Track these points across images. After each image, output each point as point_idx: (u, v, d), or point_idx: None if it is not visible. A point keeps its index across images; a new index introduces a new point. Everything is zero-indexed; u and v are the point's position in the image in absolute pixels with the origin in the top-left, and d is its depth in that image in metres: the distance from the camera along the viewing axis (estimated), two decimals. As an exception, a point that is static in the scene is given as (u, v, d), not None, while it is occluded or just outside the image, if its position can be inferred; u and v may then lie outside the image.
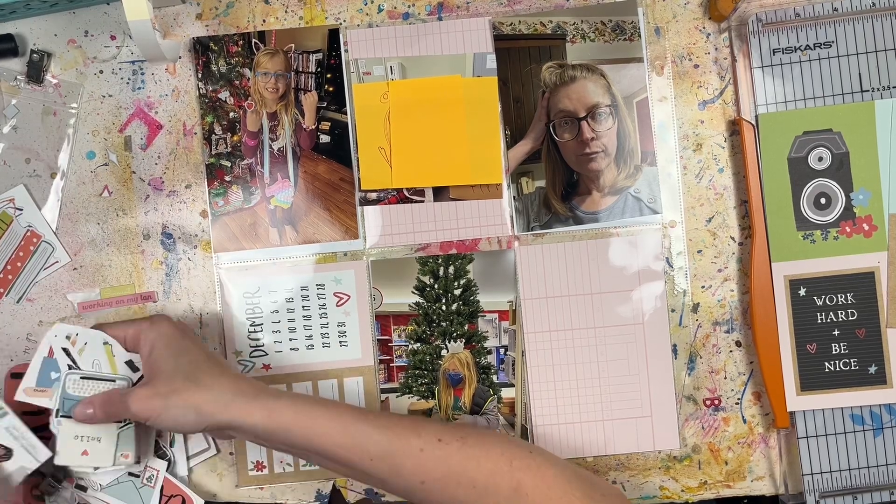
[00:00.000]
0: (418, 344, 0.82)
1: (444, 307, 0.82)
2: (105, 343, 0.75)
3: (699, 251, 0.82)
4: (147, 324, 0.73)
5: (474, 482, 0.68)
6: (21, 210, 0.82)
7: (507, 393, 0.82)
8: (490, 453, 0.69)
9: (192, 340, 0.73)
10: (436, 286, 0.82)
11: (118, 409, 0.72)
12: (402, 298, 0.82)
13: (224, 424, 0.69)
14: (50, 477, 0.80)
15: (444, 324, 0.82)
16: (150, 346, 0.72)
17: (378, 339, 0.82)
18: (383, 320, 0.82)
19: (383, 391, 0.82)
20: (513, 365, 0.82)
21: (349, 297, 0.82)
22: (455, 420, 0.82)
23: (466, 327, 0.82)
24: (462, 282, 0.82)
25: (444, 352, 0.82)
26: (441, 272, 0.82)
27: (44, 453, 0.75)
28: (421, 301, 0.82)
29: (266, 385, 0.72)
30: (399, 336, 0.83)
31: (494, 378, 0.82)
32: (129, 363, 0.76)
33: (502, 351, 0.82)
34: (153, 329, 0.73)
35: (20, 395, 0.75)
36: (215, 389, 0.70)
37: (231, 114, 0.82)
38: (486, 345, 0.82)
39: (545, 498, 0.67)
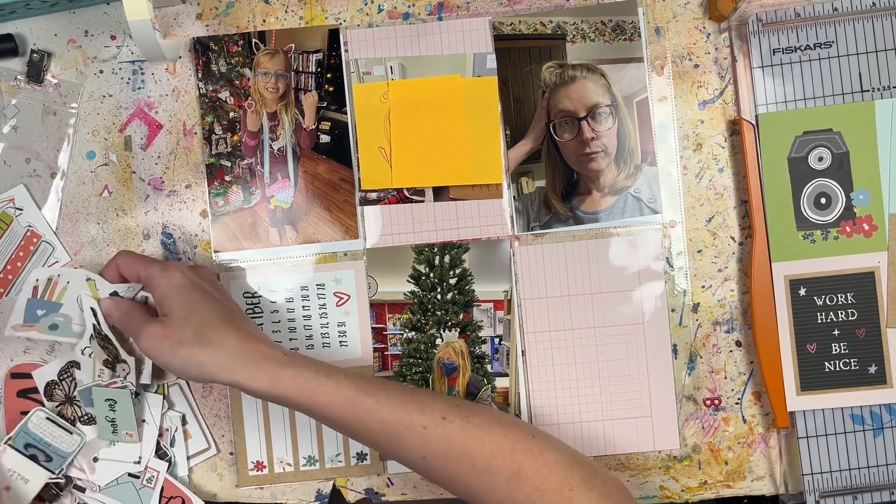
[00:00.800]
0: (413, 333, 0.82)
1: (439, 296, 0.82)
2: (88, 279, 0.77)
3: (699, 251, 0.82)
4: (159, 271, 0.72)
5: (475, 462, 0.68)
6: (21, 210, 0.82)
7: (500, 382, 0.82)
8: (493, 434, 0.69)
9: (202, 292, 0.72)
10: (431, 275, 0.82)
11: (131, 331, 0.74)
12: (398, 287, 0.82)
13: (226, 383, 0.71)
14: (53, 483, 0.80)
15: (438, 313, 0.82)
16: (160, 294, 0.72)
17: (373, 328, 0.83)
18: (378, 308, 0.83)
19: (377, 379, 0.83)
20: (507, 355, 0.82)
21: (349, 297, 0.82)
22: None
23: (461, 316, 0.82)
24: (457, 271, 0.82)
25: (438, 341, 0.82)
26: (437, 261, 0.82)
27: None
28: (416, 290, 0.82)
29: (272, 347, 0.71)
30: (394, 325, 0.83)
31: (489, 367, 0.82)
32: (115, 294, 0.76)
33: (497, 340, 0.82)
34: (164, 278, 0.72)
35: (9, 332, 0.77)
36: (221, 350, 0.69)
37: (231, 114, 0.82)
38: (480, 334, 0.82)
39: (545, 482, 0.67)
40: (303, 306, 0.82)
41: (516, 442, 0.69)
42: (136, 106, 0.82)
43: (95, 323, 0.76)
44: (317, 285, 0.82)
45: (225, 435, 0.83)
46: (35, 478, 0.79)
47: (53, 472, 0.79)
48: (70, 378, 0.80)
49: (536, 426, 0.82)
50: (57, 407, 0.80)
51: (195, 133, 0.83)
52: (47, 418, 0.79)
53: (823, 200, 0.79)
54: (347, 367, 0.82)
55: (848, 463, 0.79)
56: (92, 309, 0.76)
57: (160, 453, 0.81)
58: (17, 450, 0.79)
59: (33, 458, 0.79)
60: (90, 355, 0.77)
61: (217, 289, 0.75)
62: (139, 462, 0.80)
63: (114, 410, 0.78)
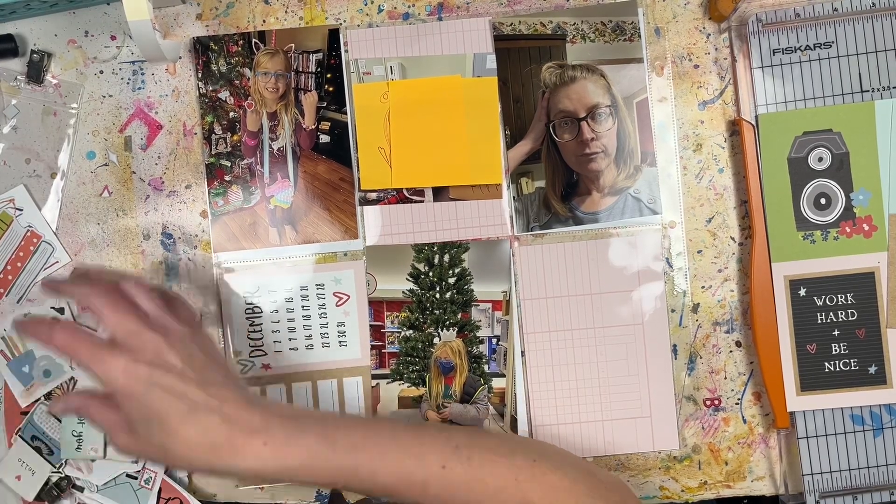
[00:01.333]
0: (411, 331, 0.82)
1: (437, 295, 0.82)
2: (26, 314, 0.79)
3: (699, 251, 0.82)
4: (101, 369, 0.62)
5: (481, 501, 0.67)
6: (21, 210, 0.82)
7: (497, 383, 0.82)
8: (495, 472, 0.67)
9: (156, 392, 0.61)
10: (430, 274, 0.82)
11: (98, 425, 0.66)
12: (396, 285, 0.82)
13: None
14: (54, 485, 0.81)
15: (437, 312, 0.82)
16: (109, 393, 0.63)
17: (371, 325, 0.82)
18: (377, 306, 0.82)
19: (374, 377, 0.82)
20: (504, 355, 0.82)
21: (349, 296, 0.82)
22: (445, 408, 0.82)
23: (459, 316, 0.82)
24: (457, 270, 0.82)
25: (436, 340, 0.82)
26: (436, 260, 0.82)
27: None
28: (415, 288, 0.82)
29: (246, 434, 0.63)
30: (392, 322, 0.83)
31: (486, 368, 0.82)
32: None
33: (494, 341, 0.82)
34: (109, 382, 0.62)
35: (24, 402, 0.80)
36: (187, 461, 0.63)
37: (231, 113, 0.82)
38: (478, 334, 0.82)
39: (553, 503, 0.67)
40: (302, 306, 0.82)
41: (519, 472, 0.67)
42: (136, 106, 0.82)
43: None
44: (316, 285, 0.82)
45: (224, 435, 0.83)
46: (40, 470, 0.80)
47: (54, 466, 0.80)
48: (68, 379, 0.80)
49: (536, 428, 0.82)
50: None
51: (195, 133, 0.83)
52: (48, 411, 0.81)
53: (823, 201, 0.79)
54: (347, 369, 0.82)
55: (848, 463, 0.79)
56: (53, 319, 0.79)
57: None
58: (25, 441, 0.80)
59: (38, 450, 0.80)
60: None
61: (168, 374, 0.63)
62: (136, 462, 0.80)
63: (82, 423, 0.80)
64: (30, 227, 0.82)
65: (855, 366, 0.78)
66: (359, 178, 0.82)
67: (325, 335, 0.82)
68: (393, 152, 0.82)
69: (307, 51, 0.82)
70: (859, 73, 0.79)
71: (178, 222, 0.83)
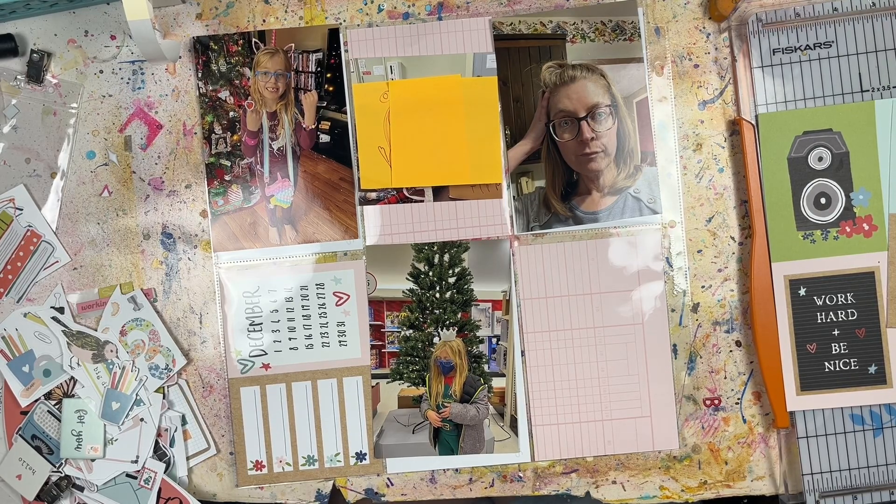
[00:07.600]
0: (411, 330, 0.82)
1: (437, 294, 0.82)
2: (25, 314, 0.81)
3: (699, 251, 0.82)
4: None
5: None
6: (21, 210, 0.82)
7: (497, 382, 0.82)
8: None
9: None
10: (430, 273, 0.82)
11: None
12: (397, 284, 0.82)
13: None
14: (53, 484, 0.81)
15: (437, 311, 0.82)
16: None
17: (371, 325, 0.82)
18: (377, 306, 0.82)
19: (374, 377, 0.82)
20: (504, 355, 0.82)
21: (349, 296, 0.82)
22: (445, 408, 0.82)
23: (459, 315, 0.82)
24: (457, 270, 0.82)
25: (436, 339, 0.82)
26: (436, 259, 0.82)
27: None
28: (415, 288, 0.82)
29: None
30: (392, 322, 0.83)
31: (486, 367, 0.82)
32: (60, 310, 0.81)
33: (494, 340, 0.82)
34: None
35: (24, 402, 0.81)
36: None
37: (231, 113, 0.82)
38: (478, 334, 0.82)
39: None
40: (302, 306, 0.82)
41: None
42: (136, 106, 0.82)
43: (64, 329, 0.78)
44: (316, 285, 0.82)
45: (225, 435, 0.83)
46: (40, 469, 0.81)
47: (54, 466, 0.81)
48: (67, 377, 0.80)
49: (535, 427, 0.82)
50: (55, 405, 0.81)
51: (195, 133, 0.83)
52: (48, 411, 0.81)
53: (823, 200, 0.79)
54: (347, 368, 0.82)
55: (848, 463, 0.79)
56: (53, 318, 0.79)
57: (159, 454, 0.81)
58: (25, 440, 0.81)
59: (38, 449, 0.81)
60: (78, 363, 0.78)
61: None
62: (136, 461, 0.80)
63: (82, 422, 0.80)
64: (30, 226, 0.82)
65: (855, 365, 0.78)
66: (359, 178, 0.82)
67: (325, 335, 0.82)
68: (393, 152, 0.82)
69: (307, 50, 0.82)
70: (859, 73, 0.79)
71: (178, 222, 0.83)
